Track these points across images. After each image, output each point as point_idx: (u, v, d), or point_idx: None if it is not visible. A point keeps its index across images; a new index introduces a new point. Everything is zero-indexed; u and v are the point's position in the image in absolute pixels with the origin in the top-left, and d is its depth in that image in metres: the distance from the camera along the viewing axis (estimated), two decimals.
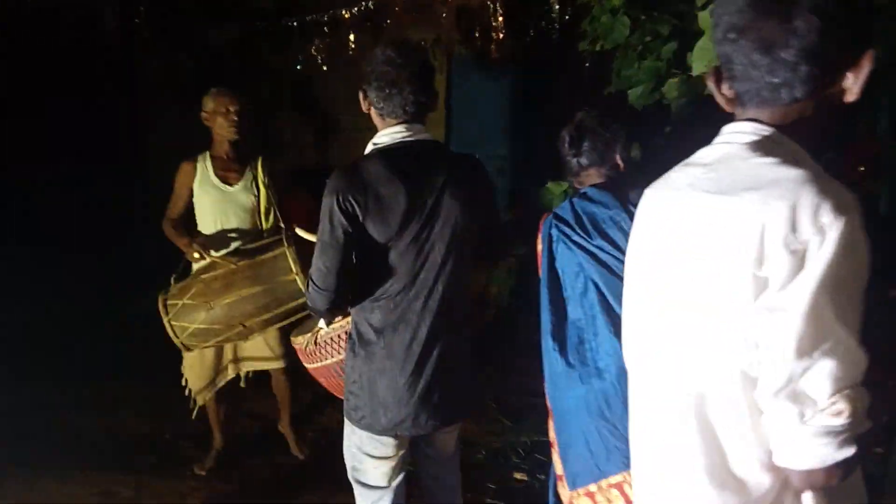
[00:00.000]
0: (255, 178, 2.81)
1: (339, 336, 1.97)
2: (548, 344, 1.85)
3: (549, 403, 1.91)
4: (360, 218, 1.70)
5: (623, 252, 1.77)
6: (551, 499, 1.97)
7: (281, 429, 3.19)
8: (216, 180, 2.78)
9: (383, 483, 1.92)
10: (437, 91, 1.84)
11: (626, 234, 1.78)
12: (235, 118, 2.75)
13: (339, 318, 1.94)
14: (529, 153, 4.16)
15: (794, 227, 0.83)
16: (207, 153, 2.82)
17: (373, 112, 1.81)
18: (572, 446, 1.83)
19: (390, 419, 1.81)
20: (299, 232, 2.11)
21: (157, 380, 3.06)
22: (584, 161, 1.91)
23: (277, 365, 2.95)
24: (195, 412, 2.97)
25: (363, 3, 4.87)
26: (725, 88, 1.00)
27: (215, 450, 3.07)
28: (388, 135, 1.78)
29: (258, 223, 2.82)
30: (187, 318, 2.56)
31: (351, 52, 6.03)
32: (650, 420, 1.09)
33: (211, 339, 2.61)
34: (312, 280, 1.78)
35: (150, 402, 3.50)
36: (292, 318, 2.59)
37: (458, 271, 1.81)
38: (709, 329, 0.95)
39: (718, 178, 0.94)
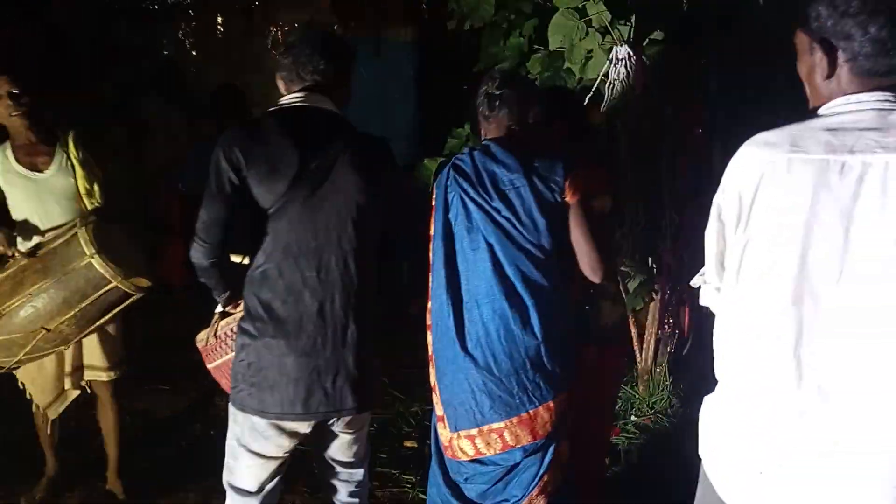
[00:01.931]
0: (68, 157, 2.41)
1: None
2: (441, 297, 1.90)
3: (431, 351, 1.98)
4: (245, 170, 1.69)
5: (517, 217, 1.83)
6: (433, 436, 2.04)
7: (109, 479, 2.67)
8: (21, 168, 2.37)
9: (253, 487, 1.84)
10: (344, 65, 1.84)
11: (522, 200, 1.85)
12: (11, 102, 2.29)
13: (239, 305, 1.83)
14: (408, 132, 4.21)
15: None
16: (8, 141, 2.41)
17: (281, 85, 1.84)
18: (456, 394, 1.89)
19: (277, 400, 1.73)
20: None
21: None
22: (501, 104, 1.93)
23: (104, 377, 2.53)
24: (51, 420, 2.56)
25: None
26: (841, 62, 1.08)
27: (47, 477, 2.66)
28: (286, 99, 1.80)
29: (83, 208, 2.42)
30: None
31: (220, 36, 5.81)
32: None
33: (16, 351, 2.25)
34: (197, 234, 1.73)
35: None
36: (114, 312, 2.32)
37: (358, 250, 1.77)
38: None
39: None
